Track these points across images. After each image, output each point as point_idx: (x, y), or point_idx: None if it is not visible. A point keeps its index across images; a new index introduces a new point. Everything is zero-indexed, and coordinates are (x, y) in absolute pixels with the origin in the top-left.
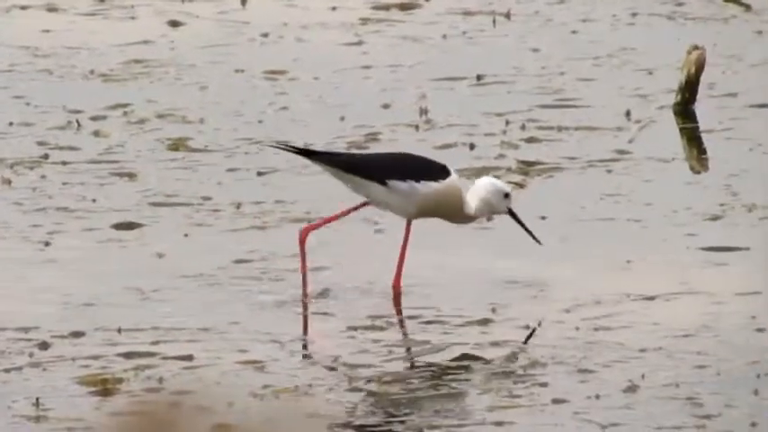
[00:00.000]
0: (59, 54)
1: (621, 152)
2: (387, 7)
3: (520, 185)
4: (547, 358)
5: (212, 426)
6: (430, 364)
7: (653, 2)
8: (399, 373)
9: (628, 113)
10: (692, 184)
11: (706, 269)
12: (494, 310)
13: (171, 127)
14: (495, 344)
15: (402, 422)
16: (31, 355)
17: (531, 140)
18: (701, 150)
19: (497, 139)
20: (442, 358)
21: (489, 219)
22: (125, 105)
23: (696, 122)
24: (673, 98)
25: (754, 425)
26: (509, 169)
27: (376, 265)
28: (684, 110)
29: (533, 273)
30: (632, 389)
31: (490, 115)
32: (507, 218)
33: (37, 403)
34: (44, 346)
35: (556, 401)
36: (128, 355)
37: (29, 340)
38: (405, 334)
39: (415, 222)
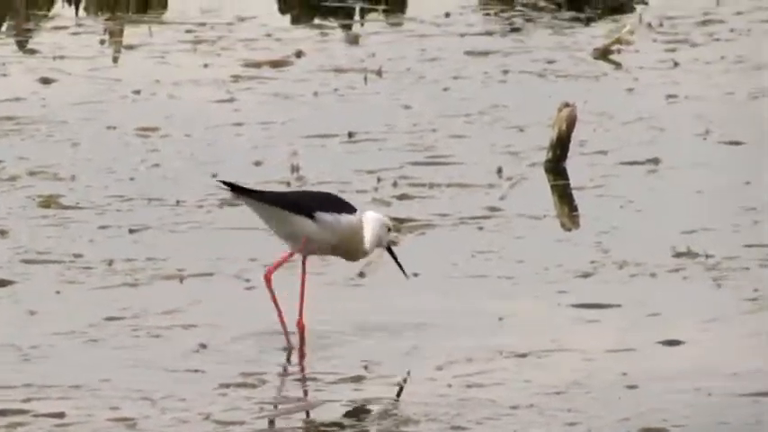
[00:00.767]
0: None
1: (493, 209)
2: (258, 65)
3: (392, 242)
4: (420, 415)
5: None
6: (304, 422)
7: (524, 59)
8: (271, 431)
9: (499, 170)
10: (563, 242)
11: (577, 326)
12: (366, 368)
13: (42, 184)
14: (367, 401)
15: None
16: None
17: (402, 197)
18: (572, 207)
19: (369, 195)
20: (315, 415)
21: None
22: None
23: (567, 179)
24: (544, 155)
25: None
26: None
27: (247, 320)
28: (555, 167)
29: (405, 329)
30: None
31: (362, 172)
32: (381, 271)
33: None
34: None
35: None
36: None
37: None
38: (278, 390)
39: (282, 283)
